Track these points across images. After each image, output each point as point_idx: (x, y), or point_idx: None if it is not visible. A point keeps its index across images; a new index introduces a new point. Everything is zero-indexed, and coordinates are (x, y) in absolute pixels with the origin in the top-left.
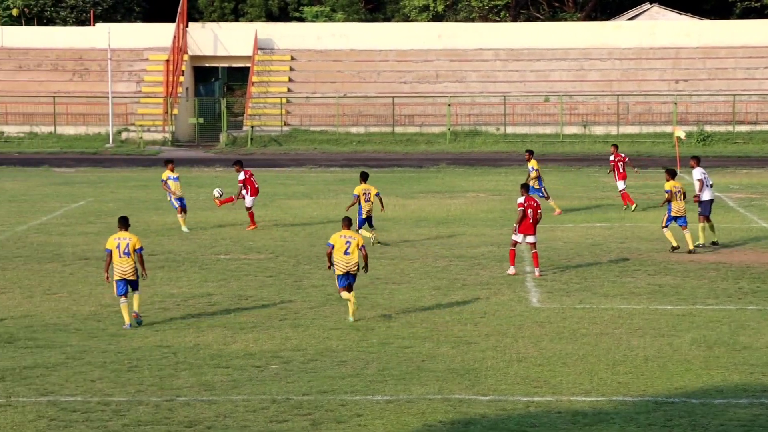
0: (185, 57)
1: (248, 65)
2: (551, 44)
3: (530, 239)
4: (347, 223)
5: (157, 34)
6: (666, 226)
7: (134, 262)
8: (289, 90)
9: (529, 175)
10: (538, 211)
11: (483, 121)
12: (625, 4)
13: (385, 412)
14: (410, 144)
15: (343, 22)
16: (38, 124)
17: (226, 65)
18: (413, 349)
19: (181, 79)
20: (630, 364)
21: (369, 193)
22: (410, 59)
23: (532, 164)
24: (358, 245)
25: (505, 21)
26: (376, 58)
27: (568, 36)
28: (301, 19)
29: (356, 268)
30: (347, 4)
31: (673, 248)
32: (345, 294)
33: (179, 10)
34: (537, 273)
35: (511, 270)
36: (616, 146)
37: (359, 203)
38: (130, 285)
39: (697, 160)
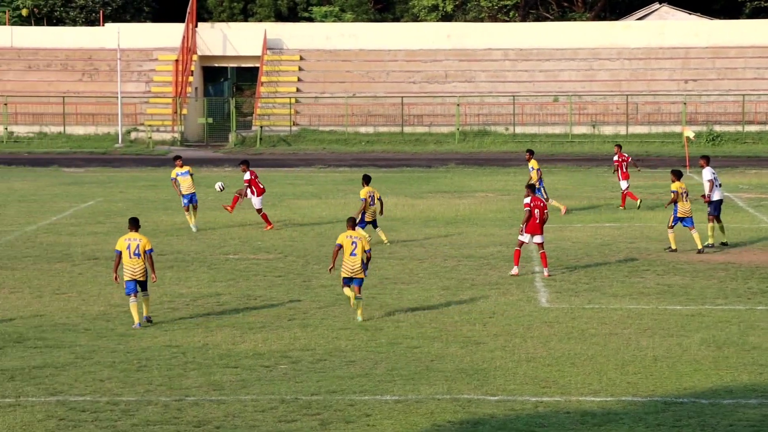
0: (194, 57)
1: (257, 65)
2: (560, 44)
3: (537, 239)
4: (352, 223)
5: (167, 34)
6: (672, 227)
7: (144, 263)
8: (298, 90)
9: (530, 176)
10: (545, 211)
11: (492, 121)
12: (635, 4)
13: (394, 412)
14: (419, 144)
15: (352, 22)
16: (48, 124)
17: (235, 65)
18: (422, 349)
19: (191, 79)
20: (639, 364)
21: (374, 196)
22: (419, 59)
23: (533, 164)
24: (364, 247)
25: (514, 21)
26: (385, 58)
27: (578, 36)
28: (310, 19)
29: (362, 273)
30: (356, 4)
31: (671, 250)
32: (347, 290)
33: (188, 10)
34: (546, 273)
35: (515, 270)
36: (619, 146)
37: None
38: (140, 286)
39: (707, 160)
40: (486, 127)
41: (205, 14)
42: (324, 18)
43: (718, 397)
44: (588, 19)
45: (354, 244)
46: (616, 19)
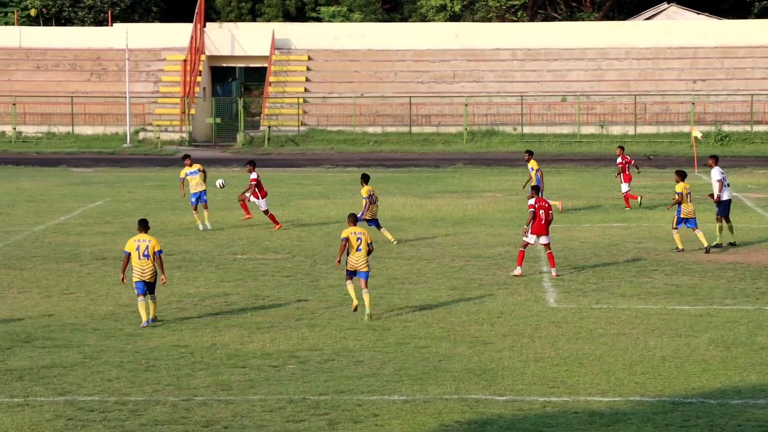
0: (202, 57)
1: (265, 65)
2: (568, 44)
3: (543, 240)
4: (354, 219)
5: (175, 34)
6: (677, 228)
7: (153, 264)
8: (306, 90)
9: (529, 176)
10: (550, 212)
11: (500, 121)
12: (643, 4)
13: (402, 412)
14: (427, 144)
15: (360, 22)
16: (56, 124)
17: (243, 65)
18: (430, 349)
19: (199, 79)
20: (647, 364)
21: (374, 195)
22: (427, 59)
23: (532, 164)
24: (367, 242)
25: (523, 21)
26: (393, 58)
27: (586, 36)
28: (318, 19)
29: (366, 266)
30: (364, 4)
31: (678, 250)
32: (350, 289)
33: (196, 10)
34: (554, 273)
35: (517, 271)
36: (622, 148)
37: (365, 205)
38: (147, 288)
39: (716, 160)
40: (494, 127)
41: (213, 14)
42: (332, 18)
43: (726, 398)
44: (596, 19)
45: (359, 240)
46: (625, 18)
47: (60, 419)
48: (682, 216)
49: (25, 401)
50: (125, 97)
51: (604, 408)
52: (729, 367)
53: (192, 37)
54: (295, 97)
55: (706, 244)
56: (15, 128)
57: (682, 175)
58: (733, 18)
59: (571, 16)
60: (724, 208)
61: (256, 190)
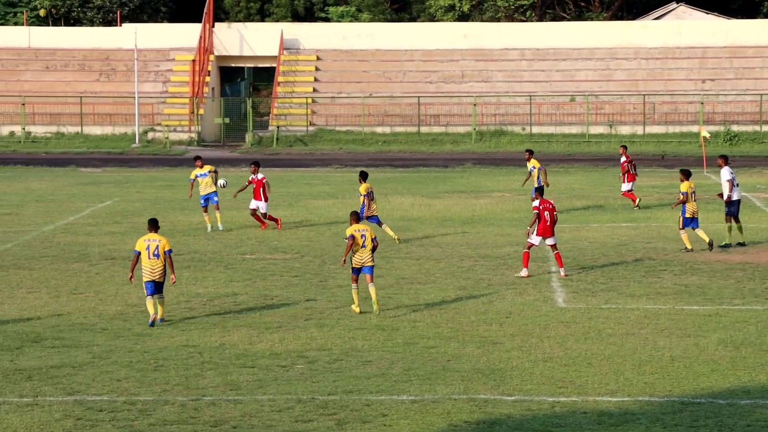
0: (211, 57)
1: (274, 65)
2: (577, 44)
3: (549, 241)
4: (356, 217)
5: (184, 35)
6: (683, 228)
7: (163, 264)
8: (314, 90)
9: (530, 175)
10: (554, 212)
11: (508, 121)
12: (652, 4)
13: (411, 412)
14: (436, 144)
15: (368, 22)
16: (65, 124)
17: (251, 65)
18: (438, 349)
19: (207, 79)
20: (656, 364)
21: (371, 192)
22: (436, 59)
23: (533, 164)
24: (372, 237)
25: (531, 21)
26: (401, 58)
27: (594, 35)
28: (327, 19)
29: (371, 261)
30: (373, 4)
31: (686, 250)
32: (355, 292)
33: (205, 10)
34: (562, 273)
35: (524, 272)
36: (625, 147)
37: (364, 202)
38: (156, 288)
39: (725, 159)
40: (502, 127)
41: (221, 14)
42: (340, 18)
43: (735, 398)
44: (605, 19)
45: (363, 237)
46: (633, 18)
47: (69, 419)
48: (687, 216)
49: (35, 401)
50: (134, 98)
51: (613, 408)
52: (738, 367)
53: (201, 37)
54: (304, 97)
55: (707, 240)
56: (24, 128)
57: (686, 174)
58: (742, 17)
59: (579, 16)
60: (734, 208)
61: (260, 192)
